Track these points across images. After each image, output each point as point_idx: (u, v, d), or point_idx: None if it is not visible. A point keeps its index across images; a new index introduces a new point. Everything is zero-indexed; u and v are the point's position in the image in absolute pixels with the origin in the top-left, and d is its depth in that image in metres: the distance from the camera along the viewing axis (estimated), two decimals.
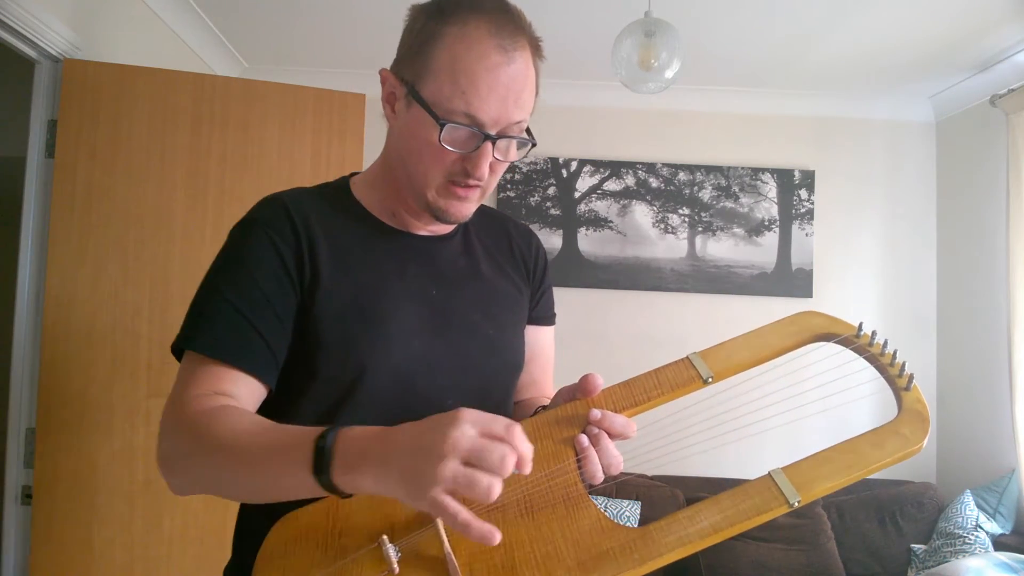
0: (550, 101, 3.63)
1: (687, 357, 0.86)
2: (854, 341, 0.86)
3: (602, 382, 0.85)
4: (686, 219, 3.62)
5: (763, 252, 3.60)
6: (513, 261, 1.07)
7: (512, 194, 3.61)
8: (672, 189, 3.63)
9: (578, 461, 0.79)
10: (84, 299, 2.10)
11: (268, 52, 3.37)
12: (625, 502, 3.08)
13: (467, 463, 0.62)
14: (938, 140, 3.66)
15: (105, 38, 2.37)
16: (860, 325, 0.87)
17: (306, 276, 0.89)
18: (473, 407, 0.88)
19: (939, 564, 2.74)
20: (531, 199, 3.61)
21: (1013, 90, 2.95)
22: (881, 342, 0.86)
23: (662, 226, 3.62)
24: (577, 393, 0.86)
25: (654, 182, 3.63)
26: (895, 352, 0.85)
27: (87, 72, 2.13)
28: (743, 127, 3.66)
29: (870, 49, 3.08)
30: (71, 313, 2.09)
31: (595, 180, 3.63)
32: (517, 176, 3.62)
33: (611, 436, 0.80)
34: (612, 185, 3.63)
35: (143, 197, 2.16)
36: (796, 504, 0.73)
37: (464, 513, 0.63)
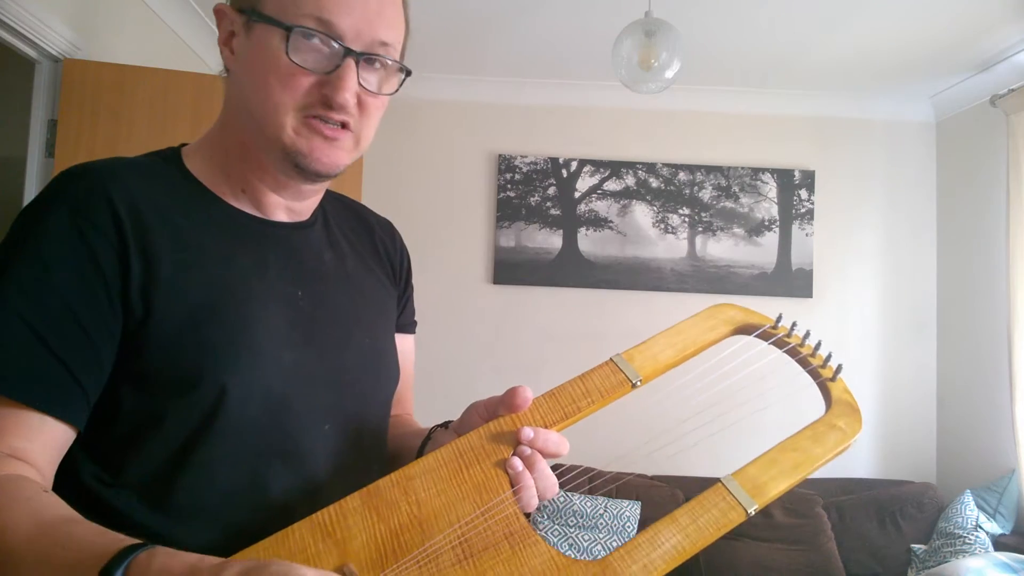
0: (550, 101, 3.63)
1: (611, 360, 0.81)
2: (772, 334, 0.83)
3: (531, 395, 0.75)
4: (686, 219, 3.62)
5: (763, 252, 3.60)
6: (378, 258, 0.92)
7: (512, 194, 3.61)
8: (672, 189, 3.63)
9: (512, 488, 0.69)
10: None
11: None
12: (625, 502, 3.08)
13: None
14: (938, 140, 3.66)
15: (105, 38, 2.37)
16: (779, 316, 0.84)
17: (135, 277, 0.69)
18: (351, 432, 0.80)
19: (939, 564, 2.74)
20: (531, 199, 3.61)
21: (1013, 90, 2.96)
22: (801, 334, 0.83)
23: (662, 226, 3.62)
24: (501, 409, 0.75)
25: (654, 182, 3.63)
26: (819, 343, 0.83)
27: (87, 72, 2.13)
28: (743, 127, 3.66)
29: (870, 49, 3.08)
30: None
31: (595, 180, 3.63)
32: (517, 176, 3.62)
33: (544, 456, 0.71)
34: (612, 185, 3.63)
35: None
36: (753, 511, 0.70)
37: None
